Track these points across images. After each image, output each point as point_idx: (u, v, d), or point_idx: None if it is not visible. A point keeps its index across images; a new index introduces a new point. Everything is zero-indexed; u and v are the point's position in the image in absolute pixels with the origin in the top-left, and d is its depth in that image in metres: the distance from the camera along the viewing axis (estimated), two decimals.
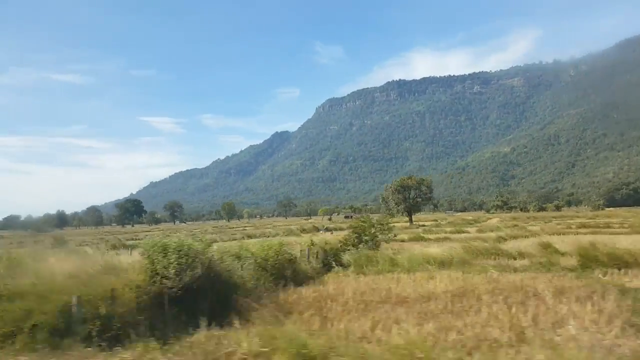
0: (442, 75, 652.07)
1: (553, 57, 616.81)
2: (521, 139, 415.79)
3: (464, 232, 44.29)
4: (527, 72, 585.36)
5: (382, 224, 22.04)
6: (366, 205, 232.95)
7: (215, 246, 14.19)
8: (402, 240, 35.28)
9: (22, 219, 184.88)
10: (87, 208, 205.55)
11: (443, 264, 18.24)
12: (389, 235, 22.53)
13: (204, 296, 10.21)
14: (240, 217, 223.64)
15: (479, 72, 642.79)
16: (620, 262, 15.54)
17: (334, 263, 17.70)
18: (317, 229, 60.57)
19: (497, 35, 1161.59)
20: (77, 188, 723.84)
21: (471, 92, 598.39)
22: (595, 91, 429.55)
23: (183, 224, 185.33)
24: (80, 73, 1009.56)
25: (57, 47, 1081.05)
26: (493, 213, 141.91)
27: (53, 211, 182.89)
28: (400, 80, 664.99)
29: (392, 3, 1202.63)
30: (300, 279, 15.24)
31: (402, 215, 72.52)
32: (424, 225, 61.44)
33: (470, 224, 62.18)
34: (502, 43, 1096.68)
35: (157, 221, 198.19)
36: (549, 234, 35.91)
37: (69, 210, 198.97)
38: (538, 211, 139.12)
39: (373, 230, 20.94)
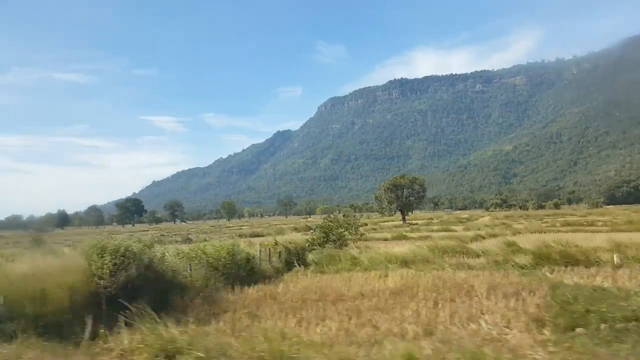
0: (444, 73, 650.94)
1: (555, 55, 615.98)
2: (523, 137, 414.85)
3: (450, 230, 44.57)
4: (529, 71, 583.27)
5: (349, 224, 22.41)
6: (367, 203, 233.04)
7: (171, 247, 14.63)
8: (385, 239, 35.71)
9: (24, 218, 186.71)
10: (88, 208, 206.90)
11: (405, 262, 18.61)
12: (357, 234, 22.87)
13: (142, 296, 10.61)
14: (240, 216, 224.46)
15: (481, 70, 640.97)
16: (572, 259, 15.89)
17: (296, 262, 18.06)
18: (310, 228, 60.86)
19: (499, 33, 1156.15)
20: (80, 188, 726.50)
21: (473, 91, 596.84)
22: (597, 89, 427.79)
23: (183, 223, 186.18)
24: (83, 72, 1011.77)
25: (60, 46, 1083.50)
26: (492, 211, 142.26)
27: (55, 211, 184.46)
28: (402, 78, 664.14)
29: (395, 2, 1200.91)
30: (256, 279, 15.62)
31: (395, 214, 72.89)
32: (416, 224, 61.74)
33: (462, 222, 62.41)
34: (504, 42, 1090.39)
35: (157, 220, 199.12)
36: (532, 232, 36.17)
37: (71, 210, 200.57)
38: (537, 209, 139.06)
39: (340, 230, 21.31)
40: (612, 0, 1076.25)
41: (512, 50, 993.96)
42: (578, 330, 8.03)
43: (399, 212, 74.24)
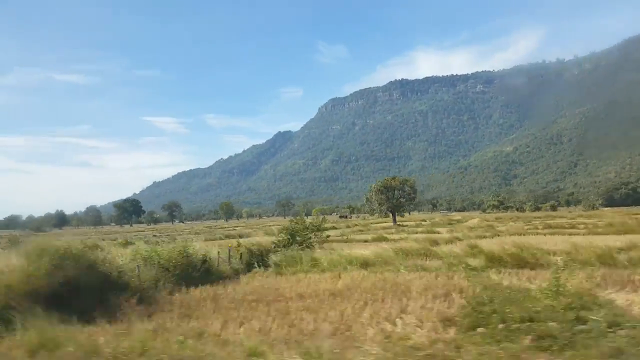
0: (445, 74, 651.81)
1: (556, 56, 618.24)
2: (524, 138, 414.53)
3: (434, 232, 44.75)
4: (530, 71, 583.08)
5: (315, 226, 22.77)
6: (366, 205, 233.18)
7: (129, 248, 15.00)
8: (366, 241, 36.03)
9: (24, 218, 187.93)
10: (87, 208, 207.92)
11: (366, 264, 18.95)
12: (321, 237, 23.21)
13: (81, 295, 11.00)
14: (239, 216, 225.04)
15: (482, 71, 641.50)
16: (521, 262, 16.24)
17: (256, 264, 18.41)
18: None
19: (500, 34, 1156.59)
20: (81, 188, 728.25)
21: (474, 92, 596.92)
22: (598, 90, 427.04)
23: (181, 223, 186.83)
24: (84, 73, 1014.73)
25: (61, 47, 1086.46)
26: (488, 213, 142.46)
27: (54, 211, 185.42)
28: (402, 79, 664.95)
29: (395, 2, 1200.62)
30: (212, 280, 15.96)
31: (386, 215, 73.21)
32: (405, 226, 61.97)
33: (451, 224, 62.58)
34: (505, 42, 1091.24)
35: (155, 221, 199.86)
36: (511, 234, 36.44)
37: (71, 210, 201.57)
38: (533, 211, 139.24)
39: (306, 232, 21.66)
40: (613, 1, 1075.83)
41: (512, 51, 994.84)
42: (479, 329, 8.39)
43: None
